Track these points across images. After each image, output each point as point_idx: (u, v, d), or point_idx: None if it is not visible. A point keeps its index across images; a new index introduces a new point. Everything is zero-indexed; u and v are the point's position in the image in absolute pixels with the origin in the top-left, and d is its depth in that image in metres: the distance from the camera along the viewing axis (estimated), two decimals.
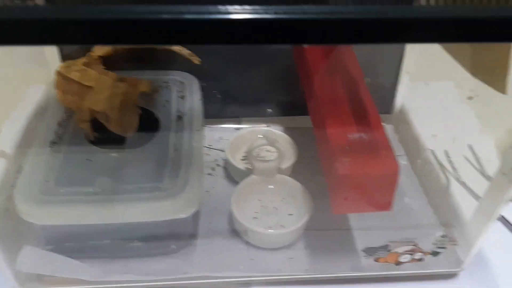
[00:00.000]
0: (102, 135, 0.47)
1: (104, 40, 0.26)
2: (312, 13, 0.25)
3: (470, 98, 0.46)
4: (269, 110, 0.64)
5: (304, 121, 0.58)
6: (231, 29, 0.25)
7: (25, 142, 0.48)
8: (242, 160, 0.56)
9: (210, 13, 0.25)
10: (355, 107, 0.42)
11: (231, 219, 0.49)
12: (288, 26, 0.25)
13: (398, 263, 0.45)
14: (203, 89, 0.59)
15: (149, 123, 0.49)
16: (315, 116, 0.48)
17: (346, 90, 0.44)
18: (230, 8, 0.25)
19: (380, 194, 0.38)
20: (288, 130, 0.61)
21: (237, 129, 0.62)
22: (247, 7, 0.25)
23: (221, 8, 0.25)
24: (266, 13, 0.25)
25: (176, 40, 0.26)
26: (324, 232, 0.49)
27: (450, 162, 0.54)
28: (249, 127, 0.62)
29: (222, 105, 0.63)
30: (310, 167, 0.53)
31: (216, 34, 0.25)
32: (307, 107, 0.51)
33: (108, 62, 0.55)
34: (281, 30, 0.25)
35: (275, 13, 0.25)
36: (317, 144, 0.46)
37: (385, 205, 0.38)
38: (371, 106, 0.42)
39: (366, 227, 0.50)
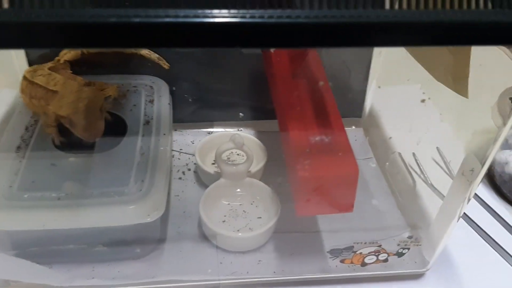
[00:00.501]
0: (69, 140, 0.47)
1: (72, 43, 0.26)
2: (281, 17, 0.25)
3: (423, 101, 0.47)
4: (241, 114, 0.64)
5: (275, 125, 0.59)
6: (201, 33, 0.26)
7: None
8: (213, 164, 0.57)
9: (183, 16, 0.25)
10: (318, 111, 0.42)
11: (200, 223, 0.49)
12: (258, 30, 0.26)
13: (364, 264, 0.45)
14: (174, 93, 0.59)
15: (116, 128, 0.49)
16: (280, 119, 0.48)
17: (309, 94, 0.44)
18: (200, 12, 0.25)
19: (341, 196, 0.38)
20: (260, 134, 0.61)
21: (209, 133, 0.63)
22: (216, 11, 0.25)
23: (192, 11, 0.25)
24: (235, 17, 0.25)
25: (147, 43, 0.26)
26: (293, 235, 0.49)
27: (418, 164, 0.55)
28: (220, 131, 0.62)
29: (194, 109, 0.63)
30: (280, 170, 0.54)
31: (187, 38, 0.26)
32: (275, 112, 0.52)
33: (76, 67, 0.55)
34: (250, 34, 0.26)
35: (242, 17, 0.25)
36: (282, 147, 0.46)
37: (347, 207, 0.39)
38: (333, 109, 0.43)
39: (334, 229, 0.50)
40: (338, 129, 0.41)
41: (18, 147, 0.46)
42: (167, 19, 0.25)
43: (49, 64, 0.52)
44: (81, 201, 0.41)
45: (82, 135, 0.45)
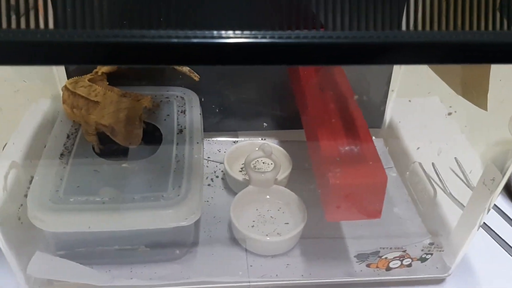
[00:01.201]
0: (108, 147, 0.50)
1: (110, 61, 0.29)
2: (314, 38, 0.28)
3: (449, 114, 0.49)
4: (265, 124, 0.67)
5: (298, 134, 0.61)
6: (230, 52, 0.28)
7: (33, 154, 0.50)
8: (240, 171, 0.59)
9: (213, 37, 0.28)
10: (346, 121, 0.45)
11: (230, 227, 0.52)
12: (295, 49, 0.28)
13: (389, 269, 0.47)
14: (201, 103, 0.62)
15: (152, 136, 0.52)
16: (308, 129, 0.51)
17: (337, 106, 0.47)
18: (230, 33, 0.28)
19: (370, 203, 0.41)
20: (283, 143, 0.64)
21: (235, 142, 0.65)
22: (246, 32, 0.28)
23: (222, 33, 0.28)
24: (264, 37, 0.28)
25: (180, 61, 0.29)
26: (319, 240, 0.51)
27: (437, 174, 0.57)
28: (246, 140, 0.64)
29: (220, 119, 0.66)
30: (305, 178, 0.56)
31: (215, 56, 0.29)
32: (302, 121, 0.54)
33: (112, 78, 0.58)
34: (276, 53, 0.28)
35: (271, 37, 0.28)
36: (310, 156, 0.49)
37: (375, 213, 0.41)
38: (360, 120, 0.45)
39: (358, 236, 0.52)
40: (366, 139, 0.43)
41: (62, 154, 0.49)
42: (217, 40, 0.28)
43: (88, 76, 0.55)
44: (124, 205, 0.43)
45: (122, 143, 0.48)
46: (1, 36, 0.26)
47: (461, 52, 0.29)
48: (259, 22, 0.29)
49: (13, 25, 0.27)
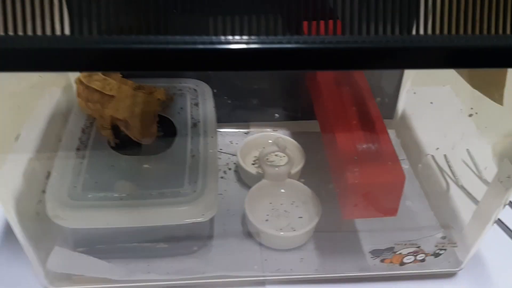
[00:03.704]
0: (123, 141, 0.50)
1: (122, 67, 0.29)
2: (326, 43, 0.28)
3: (470, 115, 0.49)
4: (277, 115, 0.66)
5: (310, 125, 0.61)
6: (257, 58, 0.29)
7: (47, 146, 0.50)
8: (253, 164, 0.59)
9: (239, 43, 0.28)
10: (363, 119, 0.45)
11: (244, 221, 0.52)
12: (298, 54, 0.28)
13: (402, 264, 0.48)
14: (213, 94, 0.62)
15: (167, 130, 0.52)
16: (324, 127, 0.51)
17: (354, 103, 0.47)
18: (250, 38, 0.28)
19: (387, 201, 0.41)
20: (295, 135, 0.64)
21: (246, 133, 0.65)
22: (256, 37, 0.28)
23: (246, 38, 0.28)
24: (280, 43, 0.28)
25: (206, 67, 0.29)
26: (333, 234, 0.52)
27: (450, 167, 0.57)
28: (258, 133, 0.64)
29: (231, 110, 0.66)
30: (318, 172, 0.56)
31: (241, 61, 0.29)
32: (316, 116, 0.54)
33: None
34: (305, 58, 0.29)
35: (285, 42, 0.28)
36: (326, 154, 0.49)
37: (392, 211, 0.42)
38: (378, 118, 0.45)
39: (371, 229, 0.52)
40: (383, 138, 0.43)
41: (77, 149, 0.49)
42: (243, 46, 0.28)
43: None
44: (141, 201, 0.44)
45: (137, 138, 0.48)
46: (19, 42, 0.26)
47: (478, 56, 0.29)
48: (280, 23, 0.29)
49: (29, 32, 0.27)
